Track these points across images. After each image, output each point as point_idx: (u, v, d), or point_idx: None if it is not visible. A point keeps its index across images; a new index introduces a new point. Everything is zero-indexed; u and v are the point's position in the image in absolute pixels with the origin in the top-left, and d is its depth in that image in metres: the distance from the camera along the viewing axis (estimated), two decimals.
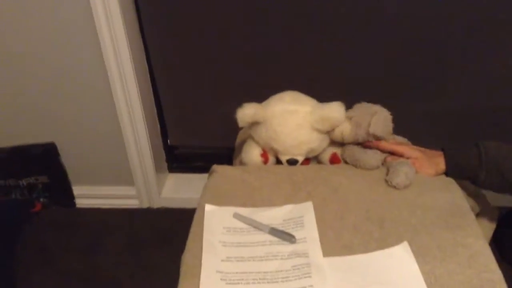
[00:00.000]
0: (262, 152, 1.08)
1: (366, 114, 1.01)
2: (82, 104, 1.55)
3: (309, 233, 0.85)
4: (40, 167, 1.70)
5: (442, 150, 1.04)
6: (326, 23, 1.40)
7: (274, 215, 0.91)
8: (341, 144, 1.08)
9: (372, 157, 1.03)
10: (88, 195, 1.78)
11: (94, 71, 1.45)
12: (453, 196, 0.96)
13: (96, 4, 1.31)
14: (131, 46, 1.41)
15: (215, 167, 1.07)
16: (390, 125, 1.04)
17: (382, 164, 1.04)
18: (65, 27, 1.38)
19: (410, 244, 0.82)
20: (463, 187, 1.02)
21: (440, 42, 1.40)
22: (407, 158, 1.02)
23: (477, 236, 0.86)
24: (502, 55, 1.40)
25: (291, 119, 1.01)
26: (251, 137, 1.10)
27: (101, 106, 1.54)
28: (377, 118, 1.00)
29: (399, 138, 1.15)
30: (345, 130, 1.03)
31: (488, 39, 1.38)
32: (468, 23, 1.36)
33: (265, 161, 1.08)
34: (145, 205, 1.79)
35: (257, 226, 0.88)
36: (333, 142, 1.08)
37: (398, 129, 1.09)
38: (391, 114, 1.04)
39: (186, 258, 0.84)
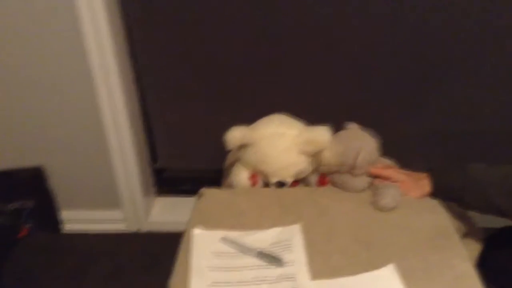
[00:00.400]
0: (251, 175, 1.09)
1: (352, 149, 1.03)
2: (70, 128, 1.54)
3: (297, 256, 0.86)
4: (27, 191, 1.69)
5: (427, 172, 1.06)
6: (317, 48, 1.43)
7: (262, 238, 0.91)
8: (328, 167, 1.09)
9: (359, 180, 1.04)
10: (75, 220, 1.76)
11: (83, 94, 1.46)
12: (438, 218, 0.97)
13: (86, 28, 1.32)
14: (120, 69, 1.41)
15: (204, 190, 1.07)
16: (376, 154, 1.06)
17: (369, 187, 1.06)
18: (54, 50, 1.38)
19: (397, 266, 0.83)
20: (449, 209, 1.03)
21: (426, 67, 1.43)
22: (394, 181, 1.04)
23: (462, 258, 0.87)
24: (486, 79, 1.44)
25: (279, 142, 1.03)
26: (240, 160, 1.11)
27: (89, 129, 1.54)
28: (362, 156, 1.02)
29: (386, 161, 1.16)
30: (332, 159, 1.05)
31: (472, 63, 1.41)
32: (453, 48, 1.39)
33: (254, 184, 1.09)
34: (133, 229, 1.78)
35: (244, 250, 0.88)
36: (320, 165, 1.09)
37: (386, 150, 1.11)
38: (377, 139, 1.06)
39: (174, 282, 0.83)
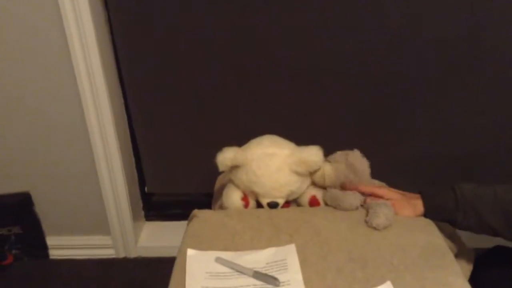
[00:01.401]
0: (242, 196, 1.08)
1: (343, 154, 1.06)
2: (58, 153, 1.53)
3: (292, 276, 0.85)
4: (14, 217, 1.66)
5: (420, 193, 1.06)
6: (302, 71, 1.45)
7: (257, 259, 0.90)
8: (321, 187, 1.10)
9: (353, 198, 1.04)
10: (62, 246, 1.73)
11: (72, 118, 1.45)
12: (432, 237, 0.98)
13: (76, 51, 1.32)
14: (109, 94, 1.42)
15: (196, 211, 1.06)
16: (366, 163, 1.07)
17: (362, 205, 1.06)
18: (43, 75, 1.38)
19: (393, 284, 0.83)
20: (440, 229, 1.03)
21: (412, 90, 1.46)
22: (387, 200, 1.04)
23: (457, 275, 0.87)
24: (471, 101, 1.47)
25: (271, 162, 1.03)
26: (231, 181, 1.10)
27: (78, 155, 1.53)
28: (353, 154, 1.06)
29: (377, 182, 1.17)
30: (326, 173, 1.05)
31: (456, 84, 1.44)
32: (439, 71, 1.42)
33: (246, 205, 1.08)
34: (121, 254, 1.75)
35: (240, 270, 0.87)
36: (312, 185, 1.09)
37: (375, 175, 1.12)
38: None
39: None
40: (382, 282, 0.83)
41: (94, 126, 1.44)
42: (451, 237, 1.08)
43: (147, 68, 1.48)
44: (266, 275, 0.85)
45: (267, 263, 0.89)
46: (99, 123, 1.44)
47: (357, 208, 1.04)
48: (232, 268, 0.88)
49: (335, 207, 1.06)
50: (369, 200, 1.05)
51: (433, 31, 1.35)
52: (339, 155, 1.09)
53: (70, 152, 1.53)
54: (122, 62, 1.47)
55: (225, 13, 1.36)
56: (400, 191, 1.09)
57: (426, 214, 1.04)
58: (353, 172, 1.06)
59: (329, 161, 1.08)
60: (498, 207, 0.96)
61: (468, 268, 1.13)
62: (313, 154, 1.02)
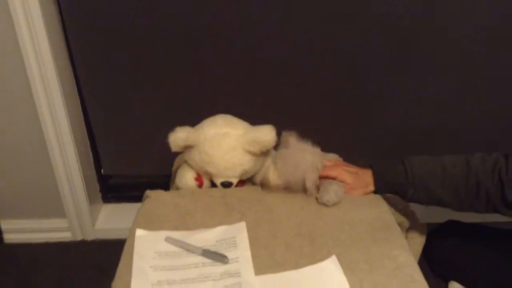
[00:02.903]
0: (196, 176, 1.08)
1: (297, 177, 1.02)
2: (8, 134, 1.49)
3: (241, 253, 0.86)
4: None
5: (370, 167, 1.08)
6: (256, 48, 1.44)
7: (207, 237, 0.91)
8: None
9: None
10: (17, 229, 1.69)
11: (21, 96, 1.40)
12: (379, 211, 1.00)
13: (19, 19, 1.26)
14: (58, 70, 1.37)
15: (148, 192, 1.06)
16: (321, 163, 1.06)
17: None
18: None
19: (339, 258, 0.85)
20: (392, 204, 1.06)
21: (365, 67, 1.47)
22: (339, 181, 1.06)
23: (402, 248, 0.90)
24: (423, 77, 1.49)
25: (224, 142, 1.03)
26: (185, 162, 1.10)
27: (28, 135, 1.48)
28: (309, 180, 1.01)
29: (330, 156, 1.19)
30: (279, 182, 1.06)
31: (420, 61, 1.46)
32: (391, 49, 1.44)
33: (200, 185, 1.08)
34: (78, 237, 1.73)
35: (189, 248, 0.87)
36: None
37: (328, 149, 1.13)
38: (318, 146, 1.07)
39: (116, 285, 0.82)
40: (328, 256, 0.85)
41: (44, 107, 1.40)
42: (403, 212, 1.11)
43: (99, 45, 1.43)
44: (215, 253, 0.86)
45: (216, 241, 0.89)
46: (49, 104, 1.39)
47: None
48: (181, 247, 0.88)
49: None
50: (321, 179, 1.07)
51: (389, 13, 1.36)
52: (286, 157, 1.05)
53: (20, 133, 1.48)
54: (72, 38, 1.42)
55: None
56: (353, 169, 1.10)
57: (376, 191, 1.07)
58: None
59: (279, 162, 1.06)
60: (447, 180, 0.99)
61: (420, 241, 1.17)
62: (265, 133, 1.02)
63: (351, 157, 1.19)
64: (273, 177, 1.07)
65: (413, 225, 1.14)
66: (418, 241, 1.17)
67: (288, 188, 1.05)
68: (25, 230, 1.70)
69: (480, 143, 1.58)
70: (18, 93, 1.40)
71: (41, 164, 1.54)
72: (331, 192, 1.00)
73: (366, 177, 1.08)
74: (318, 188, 1.04)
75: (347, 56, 1.44)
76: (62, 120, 1.43)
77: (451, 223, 1.45)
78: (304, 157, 1.03)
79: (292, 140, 1.06)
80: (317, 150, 1.06)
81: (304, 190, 1.03)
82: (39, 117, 1.42)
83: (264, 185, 1.10)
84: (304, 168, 1.02)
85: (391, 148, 1.61)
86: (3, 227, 1.70)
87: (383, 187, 1.07)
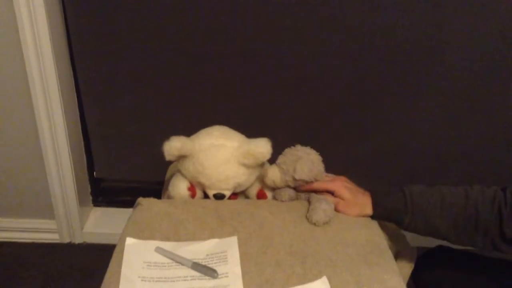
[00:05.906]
0: (189, 186, 1.07)
1: (291, 161, 1.04)
2: (1, 132, 1.48)
3: (231, 268, 0.85)
4: None
5: (370, 191, 1.08)
6: (262, 63, 1.44)
7: (197, 250, 0.90)
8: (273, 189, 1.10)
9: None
10: (4, 228, 1.68)
11: (18, 96, 1.40)
12: (372, 234, 1.00)
13: (23, 20, 1.27)
14: (58, 72, 1.37)
15: (140, 199, 1.05)
16: (318, 167, 1.05)
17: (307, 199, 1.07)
18: None
19: (329, 279, 0.84)
20: (383, 227, 1.05)
21: (369, 88, 1.48)
22: (337, 196, 1.05)
23: (393, 273, 0.89)
24: (426, 102, 1.50)
25: (218, 154, 1.02)
26: (179, 171, 1.09)
27: (23, 135, 1.48)
28: (301, 163, 1.03)
29: (331, 176, 1.18)
30: (275, 177, 1.05)
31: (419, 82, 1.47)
32: (394, 71, 1.44)
33: (193, 195, 1.07)
34: (66, 240, 1.71)
35: (179, 260, 0.86)
36: (261, 177, 1.09)
37: (333, 170, 1.13)
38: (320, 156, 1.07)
39: None
40: (319, 277, 0.85)
41: (41, 107, 1.39)
42: (394, 235, 1.10)
43: (99, 49, 1.44)
44: (204, 266, 0.85)
45: (207, 255, 0.88)
46: (46, 105, 1.39)
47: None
48: (171, 258, 0.87)
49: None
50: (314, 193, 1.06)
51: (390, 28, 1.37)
52: (286, 154, 1.07)
53: (14, 132, 1.48)
54: (74, 41, 1.43)
55: None
56: (353, 187, 1.08)
57: (374, 216, 1.06)
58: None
59: (278, 163, 1.07)
60: (446, 210, 0.98)
61: (409, 266, 1.16)
62: (260, 146, 1.01)
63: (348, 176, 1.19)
64: (272, 170, 1.06)
65: (403, 249, 1.13)
66: (407, 265, 1.16)
67: (279, 186, 1.06)
68: (12, 229, 1.68)
69: (477, 170, 1.59)
70: (16, 94, 1.40)
71: (33, 164, 1.54)
72: (320, 211, 0.99)
73: (365, 198, 1.06)
74: (309, 202, 1.04)
75: (344, 77, 1.46)
76: (58, 119, 1.43)
77: (441, 248, 1.45)
78: (302, 151, 1.05)
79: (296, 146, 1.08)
80: (316, 153, 1.06)
81: (294, 178, 1.03)
82: (35, 117, 1.42)
83: (263, 185, 1.10)
84: (298, 156, 1.03)
85: (387, 170, 1.62)
86: None
87: (381, 212, 1.05)
